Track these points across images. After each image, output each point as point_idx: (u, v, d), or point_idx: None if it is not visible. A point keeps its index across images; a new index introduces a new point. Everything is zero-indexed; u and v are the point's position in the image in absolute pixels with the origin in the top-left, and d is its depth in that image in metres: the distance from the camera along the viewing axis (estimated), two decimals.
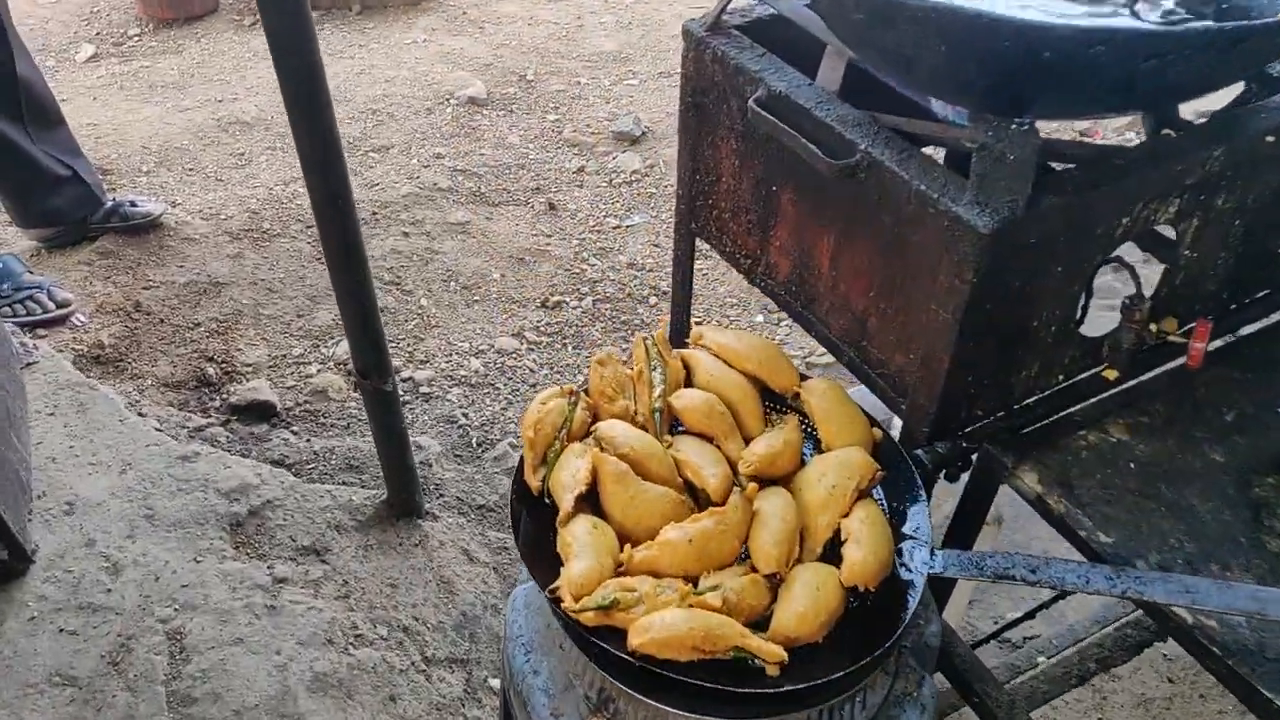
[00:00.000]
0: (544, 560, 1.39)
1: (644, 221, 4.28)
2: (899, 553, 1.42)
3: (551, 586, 1.33)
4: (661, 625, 1.26)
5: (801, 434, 1.57)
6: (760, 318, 3.78)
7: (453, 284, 3.86)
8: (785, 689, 1.27)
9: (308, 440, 2.93)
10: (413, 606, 2.37)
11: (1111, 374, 1.62)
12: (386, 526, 2.53)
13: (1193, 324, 1.58)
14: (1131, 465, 1.49)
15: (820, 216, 1.60)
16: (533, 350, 3.59)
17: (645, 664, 1.26)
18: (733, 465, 1.53)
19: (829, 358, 3.61)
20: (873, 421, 1.61)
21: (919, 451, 1.48)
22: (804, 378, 1.65)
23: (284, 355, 3.33)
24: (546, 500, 1.46)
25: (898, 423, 2.42)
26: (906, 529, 1.48)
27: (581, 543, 1.36)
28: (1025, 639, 2.67)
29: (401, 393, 3.33)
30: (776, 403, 1.65)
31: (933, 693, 1.45)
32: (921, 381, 1.48)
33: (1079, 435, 1.52)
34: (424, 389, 3.37)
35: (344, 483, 2.76)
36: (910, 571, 1.41)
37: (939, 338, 1.40)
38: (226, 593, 2.23)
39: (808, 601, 1.34)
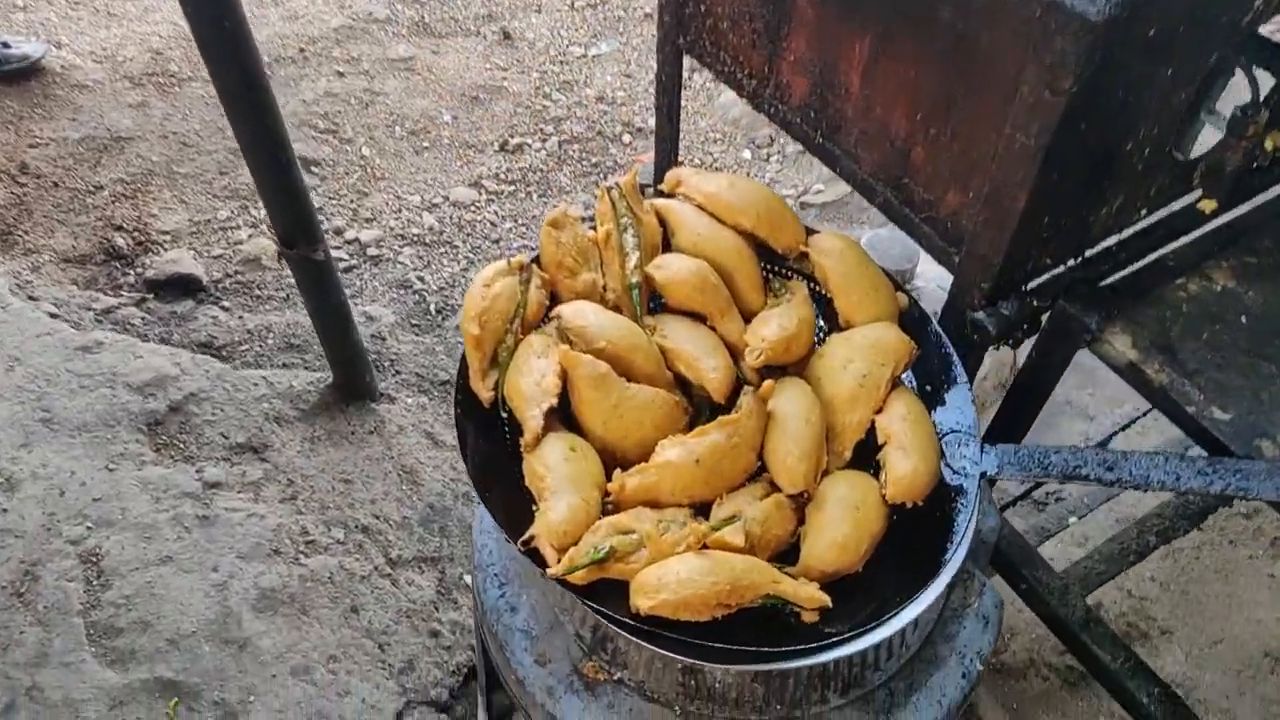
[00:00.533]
0: (509, 497, 1.08)
1: (612, 49, 3.79)
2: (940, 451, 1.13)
3: (525, 537, 1.02)
4: (676, 582, 0.96)
5: (813, 307, 1.24)
6: (747, 153, 3.38)
7: (398, 129, 3.42)
8: (828, 641, 1.00)
9: (240, 317, 2.57)
10: (371, 503, 2.09)
11: (1209, 205, 1.28)
12: (335, 414, 2.22)
13: None
14: (1243, 319, 1.17)
15: (850, 17, 1.22)
16: (493, 201, 3.19)
17: (657, 629, 0.98)
18: (732, 350, 1.20)
19: (827, 194, 3.26)
20: (894, 283, 1.28)
21: (979, 315, 1.16)
22: (809, 230, 1.30)
23: (207, 220, 2.92)
24: (504, 413, 1.14)
25: (922, 270, 2.10)
26: (945, 420, 1.18)
27: (558, 474, 1.05)
28: (1049, 495, 2.43)
29: (346, 256, 2.96)
30: (776, 265, 1.31)
31: (996, 602, 1.19)
32: (985, 226, 1.14)
33: (1176, 285, 1.20)
34: (372, 251, 2.99)
35: (284, 365, 2.42)
36: (957, 474, 1.12)
37: (1015, 168, 1.06)
38: (148, 504, 1.93)
39: (847, 527, 1.05)
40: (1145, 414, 2.03)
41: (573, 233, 1.24)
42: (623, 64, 3.74)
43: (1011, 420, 1.32)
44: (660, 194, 1.35)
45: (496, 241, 3.06)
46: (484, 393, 1.13)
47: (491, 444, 1.13)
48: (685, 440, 1.07)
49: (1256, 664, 2.06)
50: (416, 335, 2.71)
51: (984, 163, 1.11)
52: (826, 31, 1.26)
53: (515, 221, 3.14)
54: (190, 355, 2.24)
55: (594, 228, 1.28)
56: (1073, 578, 1.61)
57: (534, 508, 1.06)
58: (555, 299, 1.23)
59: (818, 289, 1.29)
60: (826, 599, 1.01)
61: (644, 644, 0.99)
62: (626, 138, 3.47)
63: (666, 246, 1.29)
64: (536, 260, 1.26)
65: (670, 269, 1.21)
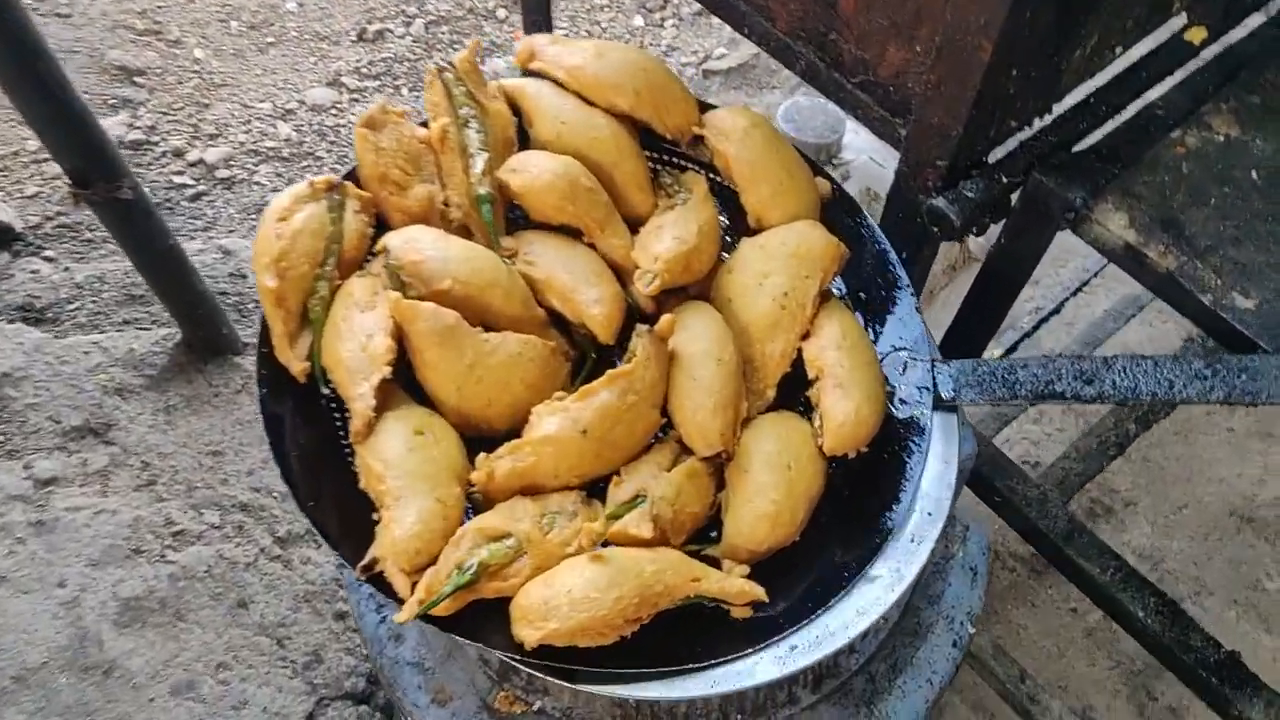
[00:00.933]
0: (347, 504, 0.81)
1: None
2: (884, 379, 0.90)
3: (365, 563, 0.76)
4: (569, 604, 0.73)
5: (715, 206, 0.97)
6: (639, 19, 3.02)
7: (234, 24, 2.97)
8: (765, 644, 0.78)
9: (66, 269, 2.20)
10: (248, 475, 1.80)
11: (1198, 34, 1.04)
12: (191, 375, 1.90)
13: None
14: (1255, 176, 0.94)
15: None
16: (356, 100, 2.81)
17: (551, 663, 0.74)
18: (618, 272, 0.94)
19: (731, 59, 2.94)
20: (813, 166, 1.02)
21: (938, 202, 0.90)
22: (704, 107, 1.02)
23: (14, 153, 2.49)
24: (327, 389, 0.86)
25: (849, 141, 1.82)
26: (886, 337, 0.95)
27: (401, 470, 0.78)
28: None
29: (192, 181, 2.57)
30: (665, 154, 1.04)
31: (983, 546, 0.98)
32: (939, 87, 0.88)
33: (1171, 140, 0.96)
34: (222, 172, 2.60)
35: (125, 323, 2.07)
36: (907, 404, 0.89)
37: (976, 9, 0.78)
38: None
39: (778, 493, 0.82)
40: (1097, 273, 1.83)
41: (397, 134, 0.95)
42: None
43: (973, 325, 1.09)
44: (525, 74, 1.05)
45: None
46: (295, 365, 0.85)
47: (317, 431, 0.85)
48: (567, 405, 0.81)
49: (1222, 526, 1.94)
50: None
51: (934, 6, 0.84)
52: None
53: None
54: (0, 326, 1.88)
55: (426, 125, 0.98)
56: (1050, 483, 1.42)
57: (374, 518, 0.80)
58: (382, 226, 0.94)
59: (719, 180, 1.02)
60: (760, 591, 0.79)
61: (557, 683, 0.75)
62: (502, 12, 3.08)
63: (523, 142, 1.00)
64: (352, 176, 0.96)
65: (529, 172, 0.93)
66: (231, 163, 2.63)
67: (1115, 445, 1.44)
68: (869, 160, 1.72)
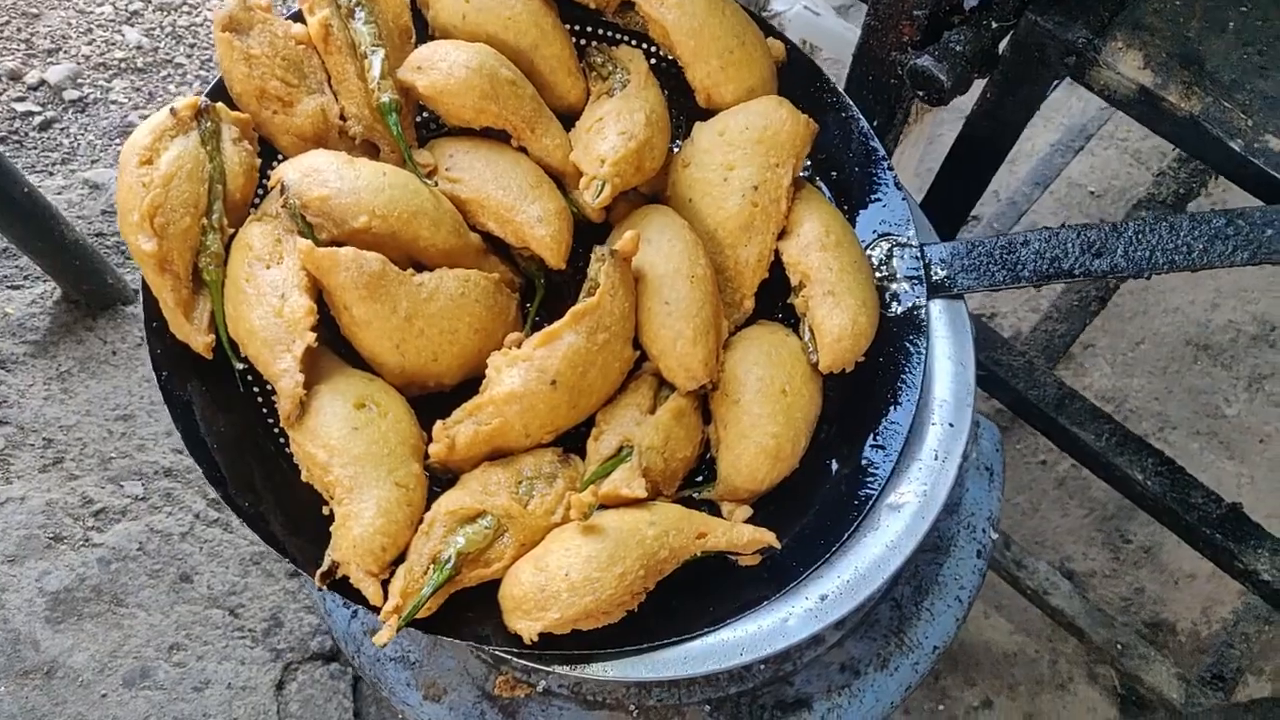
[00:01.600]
0: (280, 501, 0.68)
1: None
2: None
3: (324, 570, 0.64)
4: (568, 589, 0.62)
5: (658, 86, 0.83)
6: None
7: None
8: (783, 591, 0.69)
9: None
10: (166, 436, 1.63)
11: None
12: (81, 335, 1.70)
13: None
14: None
15: None
16: None
17: (554, 650, 0.64)
18: (557, 178, 0.80)
19: None
20: (764, 25, 0.88)
21: (923, 62, 0.77)
22: None
23: None
24: (240, 364, 0.71)
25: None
26: (866, 221, 0.83)
27: (348, 456, 0.66)
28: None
29: (37, 108, 2.28)
30: (591, 26, 0.88)
31: (996, 442, 0.91)
32: None
33: None
34: (70, 94, 2.31)
35: None
36: (899, 300, 0.79)
37: None
38: None
39: (777, 424, 0.73)
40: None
41: (269, 35, 0.78)
42: None
43: (953, 197, 0.98)
44: None
45: None
46: (197, 340, 0.70)
47: (236, 415, 0.71)
48: (529, 353, 0.69)
49: (1180, 357, 1.93)
50: None
51: None
52: None
53: None
54: None
55: (300, 18, 0.80)
56: (1034, 349, 1.34)
57: (325, 512, 0.67)
58: (268, 152, 0.77)
59: (658, 51, 0.87)
60: (770, 537, 0.69)
61: (563, 671, 0.65)
62: None
63: (420, 29, 0.83)
64: (221, 92, 0.79)
65: (439, 68, 0.77)
66: (79, 81, 2.32)
67: (1098, 300, 1.37)
68: (803, 9, 1.55)
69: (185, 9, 2.48)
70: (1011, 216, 1.71)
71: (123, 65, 2.38)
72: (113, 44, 2.41)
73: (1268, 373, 1.90)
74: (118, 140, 2.28)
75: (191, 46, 2.44)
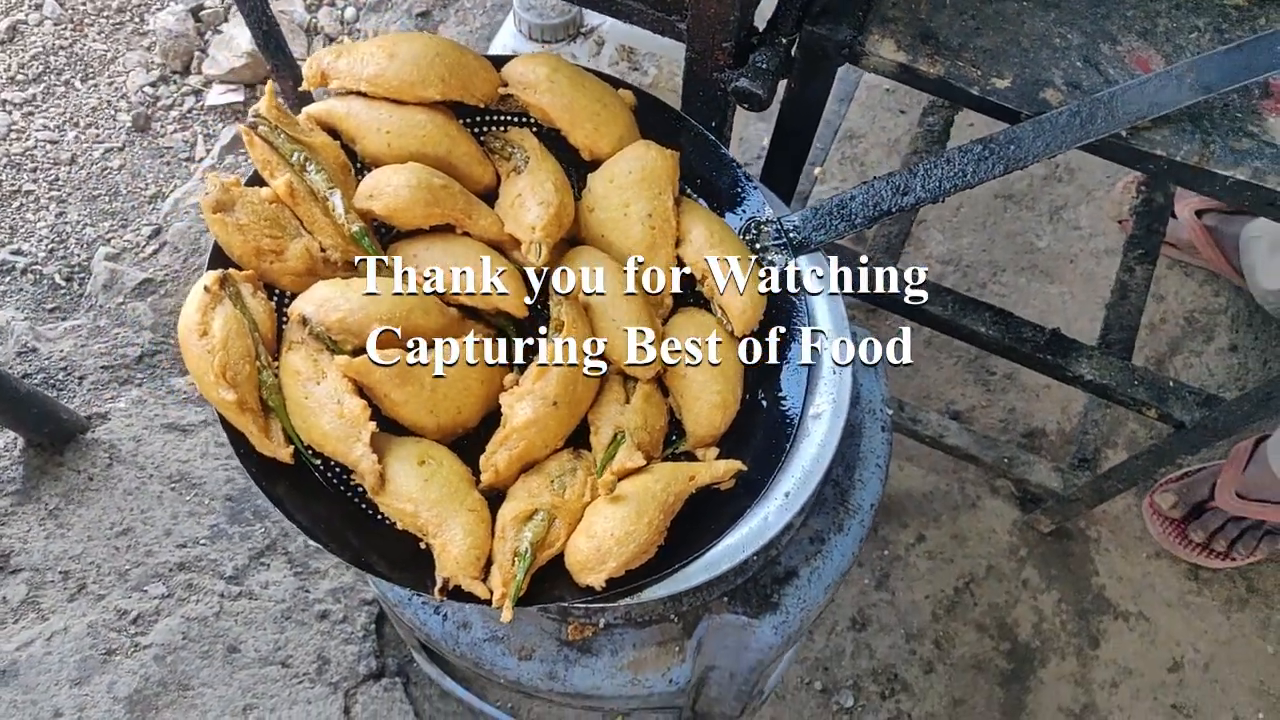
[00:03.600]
0: (383, 544, 0.91)
1: None
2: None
3: (440, 585, 0.87)
4: (616, 543, 0.87)
5: (552, 156, 1.06)
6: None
7: None
8: (758, 498, 0.95)
9: None
10: (167, 536, 1.80)
11: None
12: (54, 470, 1.83)
13: None
14: None
15: None
16: (31, 113, 2.54)
17: (618, 589, 0.88)
18: (496, 244, 1.03)
19: None
20: (611, 80, 1.11)
21: (743, 83, 1.02)
22: (498, 61, 1.08)
23: None
24: (317, 461, 0.93)
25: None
26: (732, 213, 1.10)
27: (429, 501, 0.89)
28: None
29: None
30: (481, 115, 1.10)
31: (873, 343, 1.18)
32: None
33: None
34: None
35: None
36: (773, 261, 1.05)
37: None
38: None
39: (719, 383, 0.99)
40: None
41: (248, 206, 0.97)
42: None
43: (783, 167, 1.24)
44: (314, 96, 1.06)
45: (72, 161, 2.48)
46: (282, 453, 0.91)
47: (324, 498, 0.93)
48: (531, 388, 0.92)
49: (993, 210, 2.28)
50: (65, 321, 2.22)
51: None
52: None
53: (77, 127, 2.53)
54: None
55: (260, 182, 1.00)
56: (879, 251, 1.64)
57: (421, 546, 0.90)
58: (278, 293, 0.98)
59: (541, 127, 1.10)
60: (739, 464, 0.95)
61: (628, 602, 0.90)
62: None
63: (352, 157, 1.04)
64: (220, 258, 0.98)
65: (386, 193, 0.98)
66: None
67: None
68: (615, 21, 1.78)
69: (13, 134, 2.52)
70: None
71: None
72: None
73: (1061, 204, 2.27)
74: None
75: (34, 170, 2.49)
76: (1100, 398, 1.52)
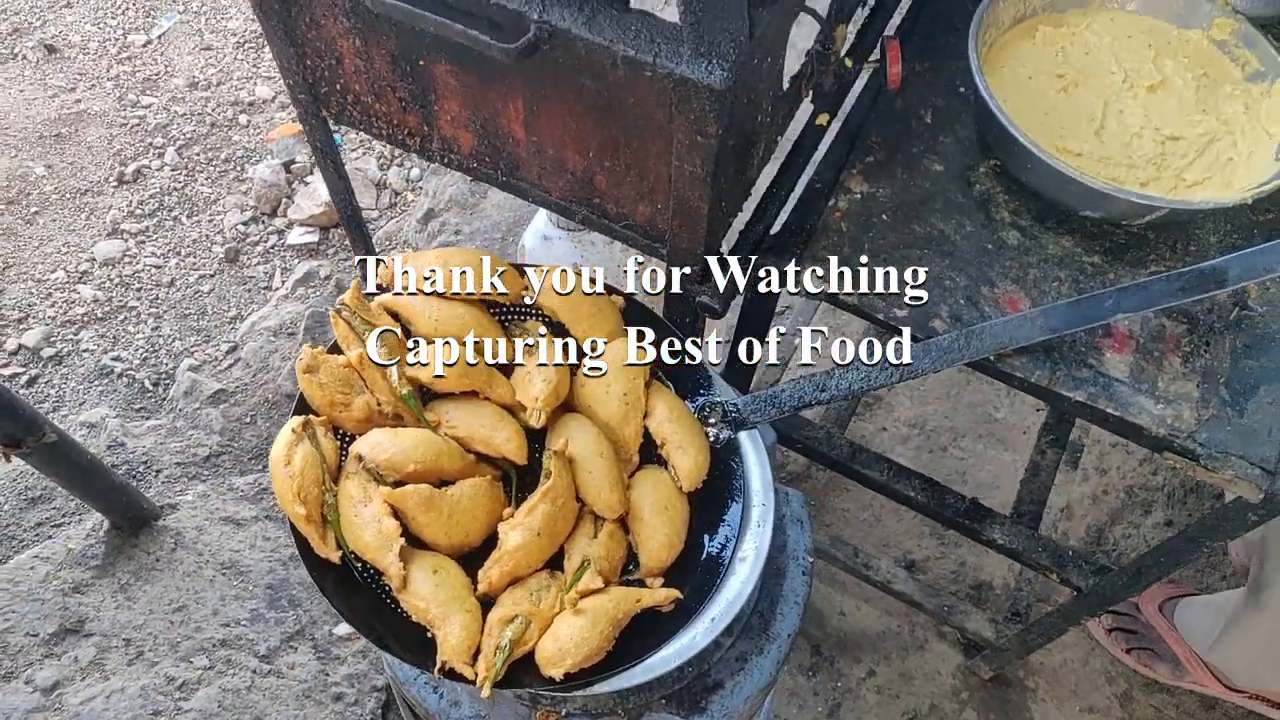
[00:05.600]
0: (400, 631, 1.20)
1: (176, 22, 3.46)
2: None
3: (439, 666, 1.16)
4: (574, 645, 1.15)
5: (555, 343, 1.39)
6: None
7: None
8: (690, 621, 1.23)
9: None
10: (214, 615, 2.09)
11: (824, 119, 1.53)
12: (130, 551, 2.14)
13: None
14: (884, 217, 1.45)
15: (496, 87, 1.29)
16: (144, 242, 2.98)
17: (572, 682, 1.16)
18: (510, 409, 1.35)
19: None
20: (609, 289, 1.44)
21: (704, 299, 1.36)
22: (520, 269, 1.43)
23: None
24: (358, 564, 1.23)
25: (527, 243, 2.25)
26: (695, 394, 1.40)
27: (437, 600, 1.18)
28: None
29: (21, 368, 2.71)
30: (507, 310, 1.44)
31: (802, 502, 1.47)
32: (679, 229, 1.32)
33: (831, 208, 1.44)
34: (46, 351, 2.74)
35: (38, 526, 2.27)
36: (719, 438, 1.35)
37: (691, 189, 1.23)
38: None
39: (667, 527, 1.28)
40: None
41: (329, 369, 1.30)
42: (196, 35, 3.45)
43: (743, 360, 1.57)
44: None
45: (172, 285, 2.89)
46: (333, 555, 1.21)
47: (360, 592, 1.23)
48: (522, 521, 1.23)
49: (958, 381, 2.57)
50: (149, 420, 2.58)
51: (662, 184, 1.27)
52: (476, 98, 1.33)
53: (179, 255, 2.96)
54: None
55: (338, 351, 1.33)
56: (829, 423, 1.95)
57: (428, 635, 1.20)
58: (342, 434, 1.31)
59: (552, 321, 1.43)
60: (676, 593, 1.23)
61: (578, 694, 1.18)
62: (243, 119, 3.28)
63: (406, 334, 1.38)
64: (303, 405, 1.31)
65: (432, 365, 1.31)
66: (52, 339, 2.76)
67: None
68: (542, 239, 2.16)
69: (125, 260, 2.95)
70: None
71: (85, 318, 2.83)
72: (72, 302, 2.86)
73: None
74: (96, 382, 2.73)
75: (139, 290, 2.90)
76: (1012, 558, 1.78)
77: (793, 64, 1.42)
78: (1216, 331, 1.36)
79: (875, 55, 1.54)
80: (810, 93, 1.52)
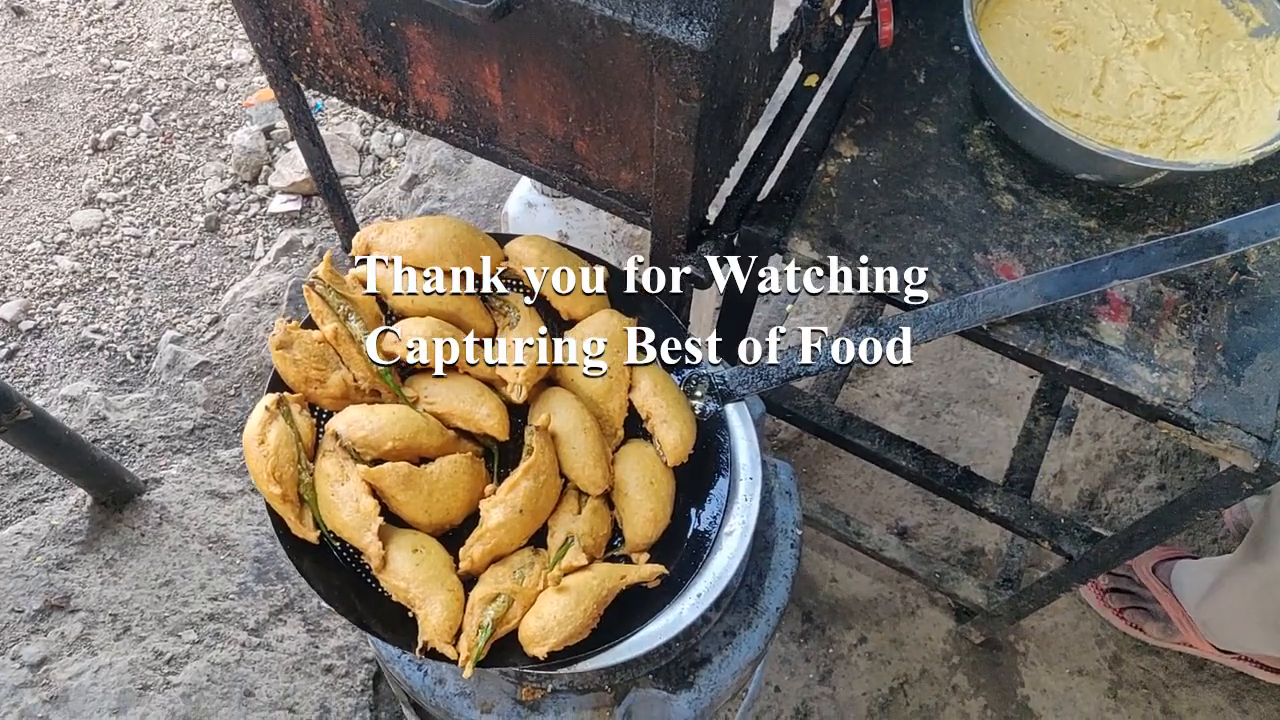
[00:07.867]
0: (381, 611, 1.18)
1: None
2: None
3: (420, 646, 1.13)
4: (557, 623, 1.13)
5: (538, 316, 1.35)
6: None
7: None
8: (676, 596, 1.21)
9: None
10: (201, 589, 2.07)
11: (813, 80, 1.48)
12: (115, 526, 2.11)
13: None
14: (875, 182, 1.41)
15: (470, 50, 1.24)
16: (121, 211, 2.92)
17: (557, 660, 1.14)
18: (490, 384, 1.31)
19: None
20: (588, 258, 1.40)
21: (689, 270, 1.32)
22: (502, 240, 1.39)
23: None
24: (336, 544, 1.21)
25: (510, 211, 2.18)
26: (679, 369, 1.37)
27: (418, 580, 1.15)
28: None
29: (0, 342, 2.65)
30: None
31: (790, 473, 1.45)
32: (663, 196, 1.28)
33: (819, 173, 1.40)
34: (25, 324, 2.70)
35: (20, 501, 2.24)
36: (705, 411, 1.32)
37: (673, 154, 1.18)
38: None
39: (652, 502, 1.25)
40: None
41: (303, 344, 1.27)
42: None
43: (731, 334, 1.53)
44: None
45: (151, 254, 2.84)
46: (310, 535, 1.19)
47: (339, 572, 1.20)
48: (504, 498, 1.20)
49: (951, 347, 2.54)
50: (132, 393, 2.54)
51: (645, 149, 1.23)
52: (451, 60, 1.28)
53: (158, 225, 2.90)
54: None
55: (313, 326, 1.30)
56: (820, 391, 1.92)
57: (409, 615, 1.17)
58: (318, 412, 1.27)
59: (528, 290, 1.39)
60: (661, 569, 1.21)
61: (563, 671, 1.16)
62: (221, 83, 3.20)
63: (388, 315, 1.34)
64: (278, 382, 1.27)
65: (409, 340, 1.27)
66: (30, 312, 2.72)
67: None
68: (526, 206, 2.09)
69: (103, 230, 2.89)
70: None
71: (62, 290, 2.78)
72: (49, 274, 2.81)
73: None
74: (77, 355, 2.69)
75: (119, 261, 2.85)
76: (1004, 526, 1.77)
77: (781, 22, 1.38)
78: (1214, 297, 1.33)
79: (866, 12, 1.48)
80: (799, 53, 1.47)
